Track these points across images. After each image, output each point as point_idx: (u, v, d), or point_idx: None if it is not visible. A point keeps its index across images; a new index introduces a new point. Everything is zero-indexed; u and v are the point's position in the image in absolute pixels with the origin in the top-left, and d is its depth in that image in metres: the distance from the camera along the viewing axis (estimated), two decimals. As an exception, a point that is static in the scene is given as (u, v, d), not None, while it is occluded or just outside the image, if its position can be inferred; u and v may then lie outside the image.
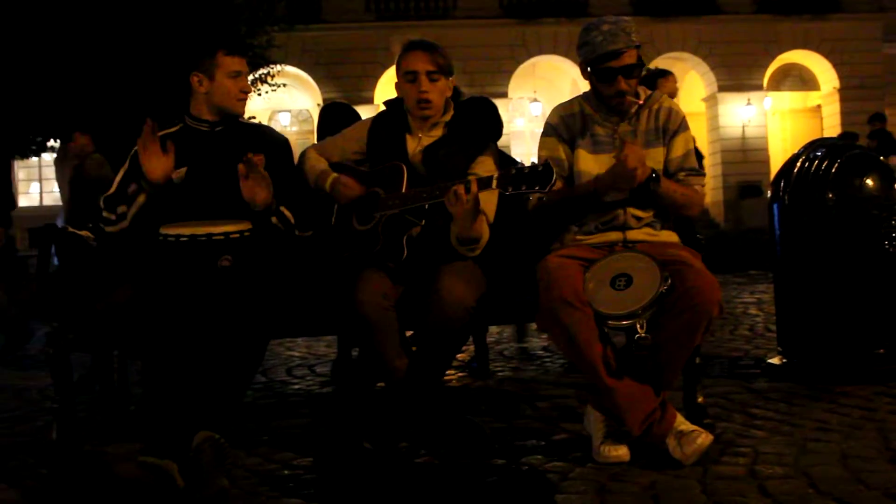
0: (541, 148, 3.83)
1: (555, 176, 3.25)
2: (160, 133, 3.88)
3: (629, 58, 3.60)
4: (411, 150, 3.85)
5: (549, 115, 3.89)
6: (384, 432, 3.62)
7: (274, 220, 3.72)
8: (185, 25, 13.12)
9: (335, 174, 3.89)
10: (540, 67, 28.79)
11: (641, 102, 3.72)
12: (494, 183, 3.36)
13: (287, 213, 3.76)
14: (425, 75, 3.78)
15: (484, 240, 3.66)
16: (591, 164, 3.71)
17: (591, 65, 3.65)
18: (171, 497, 3.02)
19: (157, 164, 3.65)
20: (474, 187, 3.39)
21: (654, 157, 3.68)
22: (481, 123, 3.97)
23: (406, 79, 3.82)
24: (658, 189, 3.58)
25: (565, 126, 3.79)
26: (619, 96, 3.64)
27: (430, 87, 3.79)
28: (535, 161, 3.47)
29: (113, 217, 3.79)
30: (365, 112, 5.29)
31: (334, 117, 5.14)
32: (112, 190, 3.86)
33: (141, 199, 3.71)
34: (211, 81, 3.85)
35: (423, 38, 3.91)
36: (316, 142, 4.40)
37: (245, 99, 3.92)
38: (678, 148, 3.74)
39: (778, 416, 3.94)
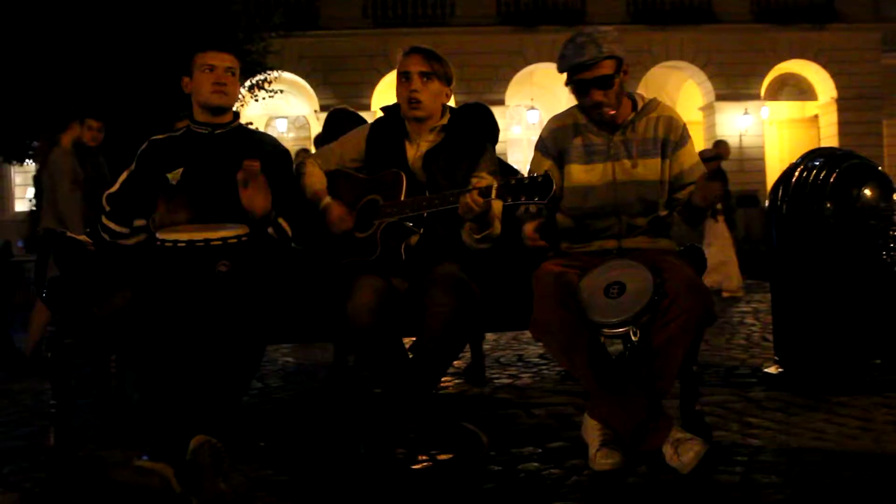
0: (532, 160, 3.85)
1: (554, 186, 3.26)
2: (161, 136, 3.92)
3: (603, 69, 3.59)
4: (411, 156, 3.86)
5: (543, 129, 3.89)
6: (380, 438, 3.62)
7: (270, 230, 3.73)
8: (182, 32, 13.11)
9: (328, 200, 3.89)
10: (537, 75, 28.78)
11: (614, 112, 3.69)
12: (494, 193, 3.37)
13: (284, 224, 3.78)
14: (418, 75, 3.82)
15: (498, 229, 3.69)
16: (582, 175, 3.71)
17: (568, 77, 3.66)
18: (168, 502, 3.01)
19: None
20: (478, 196, 3.41)
21: (652, 168, 3.68)
22: (479, 127, 3.98)
23: (399, 80, 3.86)
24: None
25: (554, 141, 3.78)
26: (596, 107, 3.64)
27: (420, 87, 3.82)
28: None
29: (126, 231, 3.83)
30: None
31: (339, 124, 5.14)
32: (116, 188, 3.89)
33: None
34: (192, 81, 3.92)
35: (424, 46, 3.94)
36: (314, 148, 4.41)
37: (220, 91, 3.88)
38: (687, 159, 3.73)
39: (774, 425, 3.94)
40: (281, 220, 3.77)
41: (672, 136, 3.72)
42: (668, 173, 3.72)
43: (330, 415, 4.64)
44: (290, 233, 3.80)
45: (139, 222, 3.83)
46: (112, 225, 3.86)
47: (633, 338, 3.29)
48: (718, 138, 16.18)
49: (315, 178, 3.99)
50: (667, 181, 3.72)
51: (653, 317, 3.32)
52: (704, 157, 12.88)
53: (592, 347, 3.38)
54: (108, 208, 3.88)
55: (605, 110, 3.64)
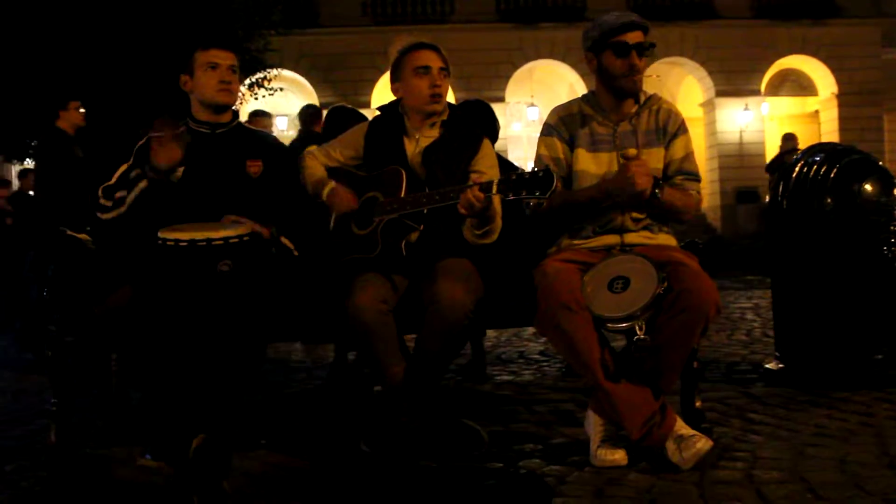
0: (540, 146, 3.84)
1: (555, 181, 3.25)
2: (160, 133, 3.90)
3: (641, 36, 3.70)
4: (410, 152, 3.85)
5: (548, 116, 3.90)
6: (381, 436, 3.62)
7: (273, 250, 3.73)
8: (181, 29, 13.10)
9: (332, 183, 3.89)
10: (537, 72, 28.78)
11: (643, 100, 3.77)
12: (495, 188, 3.36)
13: (288, 243, 3.79)
14: (438, 70, 3.83)
15: (498, 224, 3.68)
16: (589, 163, 3.72)
17: (605, 39, 3.69)
18: (169, 500, 3.01)
19: (168, 153, 3.67)
20: (479, 192, 3.40)
21: (655, 158, 3.70)
22: (478, 123, 3.99)
23: (416, 74, 3.84)
24: (661, 198, 3.60)
25: (564, 126, 3.80)
26: (631, 73, 3.67)
27: (441, 82, 3.84)
28: (533, 160, 3.49)
29: (109, 203, 3.80)
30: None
31: (339, 121, 5.14)
32: (112, 181, 3.87)
33: (142, 184, 3.72)
34: (192, 79, 3.89)
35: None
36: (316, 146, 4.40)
37: (226, 89, 3.88)
38: (678, 150, 3.76)
39: (776, 421, 3.94)
40: (284, 240, 3.78)
41: (671, 127, 3.76)
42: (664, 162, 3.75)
43: (331, 413, 4.65)
44: (294, 251, 3.81)
45: (120, 193, 3.81)
46: (108, 203, 3.83)
47: (638, 332, 3.29)
48: (719, 133, 16.10)
49: (315, 170, 3.99)
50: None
51: (657, 311, 3.32)
52: (784, 150, 12.75)
53: (597, 342, 3.38)
54: (100, 195, 3.86)
55: (637, 78, 3.70)
